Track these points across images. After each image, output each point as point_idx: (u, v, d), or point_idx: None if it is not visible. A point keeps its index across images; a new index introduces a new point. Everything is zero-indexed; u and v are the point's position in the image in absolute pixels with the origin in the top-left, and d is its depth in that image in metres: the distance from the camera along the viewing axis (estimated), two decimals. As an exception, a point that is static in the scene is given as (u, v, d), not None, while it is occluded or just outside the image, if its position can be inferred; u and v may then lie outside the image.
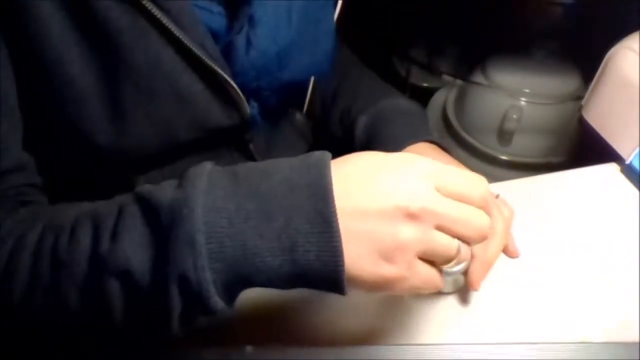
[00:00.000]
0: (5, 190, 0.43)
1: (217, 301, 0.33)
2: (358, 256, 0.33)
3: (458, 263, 0.36)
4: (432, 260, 0.35)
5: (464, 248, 0.35)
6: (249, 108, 0.51)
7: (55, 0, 0.40)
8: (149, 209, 0.34)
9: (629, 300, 0.49)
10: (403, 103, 0.65)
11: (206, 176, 0.34)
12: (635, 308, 0.49)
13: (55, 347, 0.40)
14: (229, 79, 0.47)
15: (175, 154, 0.51)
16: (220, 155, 0.56)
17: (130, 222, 0.34)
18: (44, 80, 0.42)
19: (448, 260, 0.35)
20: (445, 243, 0.34)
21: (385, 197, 0.33)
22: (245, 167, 0.35)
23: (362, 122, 0.63)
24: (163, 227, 0.33)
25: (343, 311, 0.46)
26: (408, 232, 0.33)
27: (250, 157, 0.58)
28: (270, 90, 0.53)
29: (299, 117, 0.68)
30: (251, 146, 0.57)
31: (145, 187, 0.35)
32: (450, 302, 0.50)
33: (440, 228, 0.34)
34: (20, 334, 0.39)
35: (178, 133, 0.48)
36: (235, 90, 0.48)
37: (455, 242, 0.35)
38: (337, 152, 0.36)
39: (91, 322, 0.36)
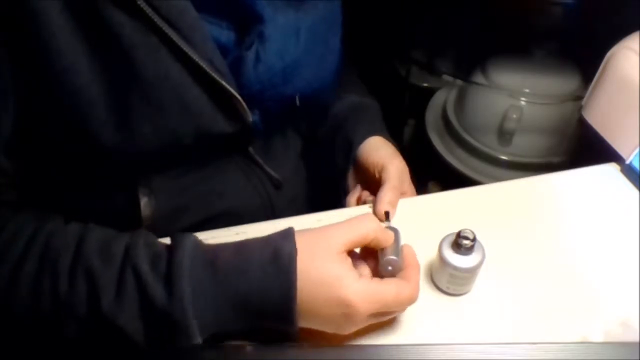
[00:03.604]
0: None
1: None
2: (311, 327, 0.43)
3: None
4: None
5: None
6: (251, 116, 0.51)
7: (66, 13, 0.41)
8: (145, 295, 0.40)
9: (629, 300, 0.49)
10: (364, 101, 0.71)
11: (188, 277, 0.40)
12: (635, 308, 0.49)
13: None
14: (234, 92, 0.49)
15: (177, 157, 0.52)
16: (221, 157, 0.56)
17: (131, 297, 0.40)
18: (52, 88, 0.43)
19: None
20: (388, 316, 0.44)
21: (336, 307, 0.41)
22: (223, 259, 0.41)
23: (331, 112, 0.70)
24: (160, 321, 0.40)
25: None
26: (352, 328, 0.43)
27: (250, 158, 0.58)
28: (272, 102, 0.55)
29: (297, 115, 0.68)
30: (250, 149, 0.58)
31: (139, 263, 0.41)
32: (450, 302, 0.50)
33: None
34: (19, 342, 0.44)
35: (182, 140, 0.49)
36: (240, 102, 0.50)
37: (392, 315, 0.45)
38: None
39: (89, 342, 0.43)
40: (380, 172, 0.60)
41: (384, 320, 0.45)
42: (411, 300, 0.43)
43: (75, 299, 0.40)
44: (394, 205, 0.57)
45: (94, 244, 0.42)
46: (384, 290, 0.42)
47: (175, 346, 0.41)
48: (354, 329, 0.43)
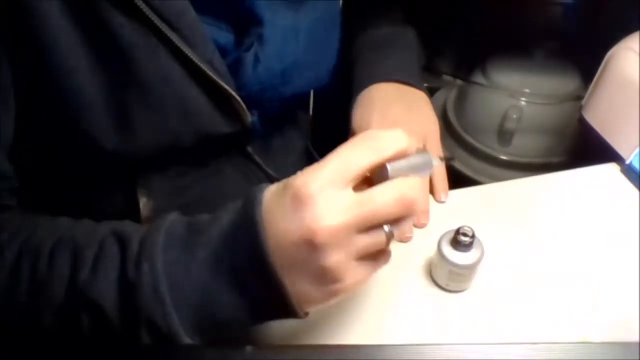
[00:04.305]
0: None
1: (187, 339, 0.37)
2: (303, 293, 0.36)
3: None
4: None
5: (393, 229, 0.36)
6: (250, 117, 0.51)
7: (66, 14, 0.41)
8: (123, 252, 0.38)
9: (629, 300, 0.49)
10: (381, 34, 0.66)
11: (164, 229, 0.38)
12: (635, 308, 0.49)
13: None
14: (234, 93, 0.49)
15: (176, 157, 0.52)
16: (220, 158, 0.56)
17: (108, 260, 0.38)
18: (52, 88, 0.43)
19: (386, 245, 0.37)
20: (371, 242, 0.36)
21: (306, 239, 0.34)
22: (201, 216, 0.39)
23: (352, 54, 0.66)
24: (132, 276, 0.37)
25: (343, 311, 0.46)
26: (331, 258, 0.34)
27: (249, 158, 0.58)
28: (271, 102, 0.55)
29: (297, 113, 0.68)
30: (249, 149, 0.58)
31: (123, 228, 0.39)
32: (450, 302, 0.50)
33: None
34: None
35: (181, 140, 0.49)
36: (239, 102, 0.50)
37: (382, 235, 0.36)
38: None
39: (65, 335, 0.40)
40: None
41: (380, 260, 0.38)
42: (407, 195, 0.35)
43: (54, 279, 0.38)
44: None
45: (81, 229, 0.41)
46: (366, 193, 0.35)
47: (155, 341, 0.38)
48: (331, 262, 0.34)
